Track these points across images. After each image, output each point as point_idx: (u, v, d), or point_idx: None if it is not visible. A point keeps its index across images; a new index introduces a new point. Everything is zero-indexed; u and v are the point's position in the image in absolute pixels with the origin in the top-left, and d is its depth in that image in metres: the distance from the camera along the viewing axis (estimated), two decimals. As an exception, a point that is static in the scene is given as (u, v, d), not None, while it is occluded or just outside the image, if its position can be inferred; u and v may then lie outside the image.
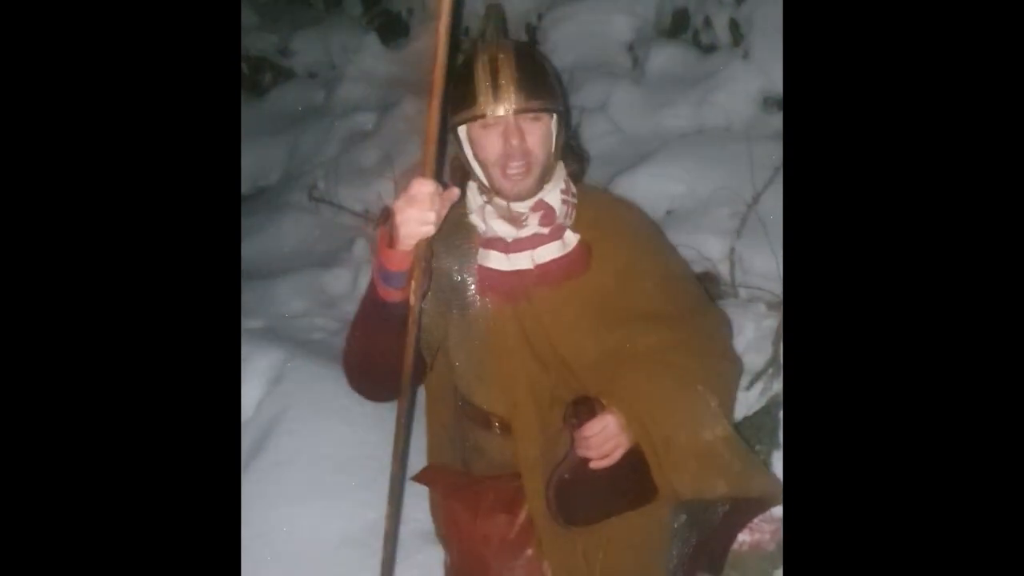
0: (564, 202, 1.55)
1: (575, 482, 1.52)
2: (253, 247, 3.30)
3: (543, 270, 1.52)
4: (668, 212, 2.70)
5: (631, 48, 3.45)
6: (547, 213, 1.52)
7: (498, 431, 1.63)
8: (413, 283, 1.34)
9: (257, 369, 2.30)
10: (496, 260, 1.52)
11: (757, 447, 2.00)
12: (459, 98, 1.48)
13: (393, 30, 4.32)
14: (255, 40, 4.59)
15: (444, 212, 1.33)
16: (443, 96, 1.21)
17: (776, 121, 2.83)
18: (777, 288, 2.29)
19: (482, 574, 1.61)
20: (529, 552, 1.59)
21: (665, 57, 3.29)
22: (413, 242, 1.31)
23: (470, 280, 1.56)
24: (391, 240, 1.32)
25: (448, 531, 1.71)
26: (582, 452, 1.50)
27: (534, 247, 1.52)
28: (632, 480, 1.52)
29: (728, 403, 1.61)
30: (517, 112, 1.45)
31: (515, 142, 1.46)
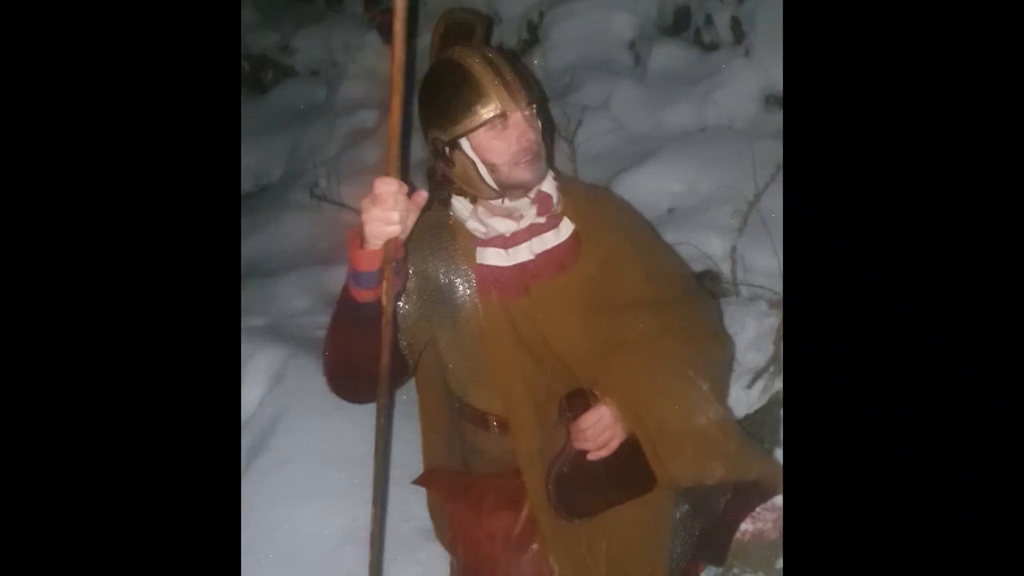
0: (556, 188, 1.57)
1: (574, 475, 1.53)
2: (255, 245, 3.30)
3: (542, 260, 1.53)
4: (670, 210, 2.70)
5: (633, 46, 3.44)
6: (543, 201, 1.54)
7: (496, 430, 1.64)
8: (385, 283, 1.34)
9: (259, 367, 2.30)
10: (495, 256, 1.53)
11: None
12: (462, 106, 1.44)
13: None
14: (257, 38, 4.59)
15: (412, 216, 1.32)
16: (403, 95, 1.21)
17: (777, 119, 2.83)
18: (779, 286, 2.29)
19: (491, 572, 1.62)
20: (535, 547, 1.60)
21: (667, 55, 3.28)
22: (380, 241, 1.30)
23: (458, 281, 1.56)
24: (360, 240, 1.32)
25: (453, 532, 1.71)
26: (579, 444, 1.52)
27: (531, 237, 1.53)
28: (631, 469, 1.53)
29: (720, 386, 1.63)
30: (528, 105, 1.46)
31: (530, 136, 1.46)
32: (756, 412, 2.11)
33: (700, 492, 1.61)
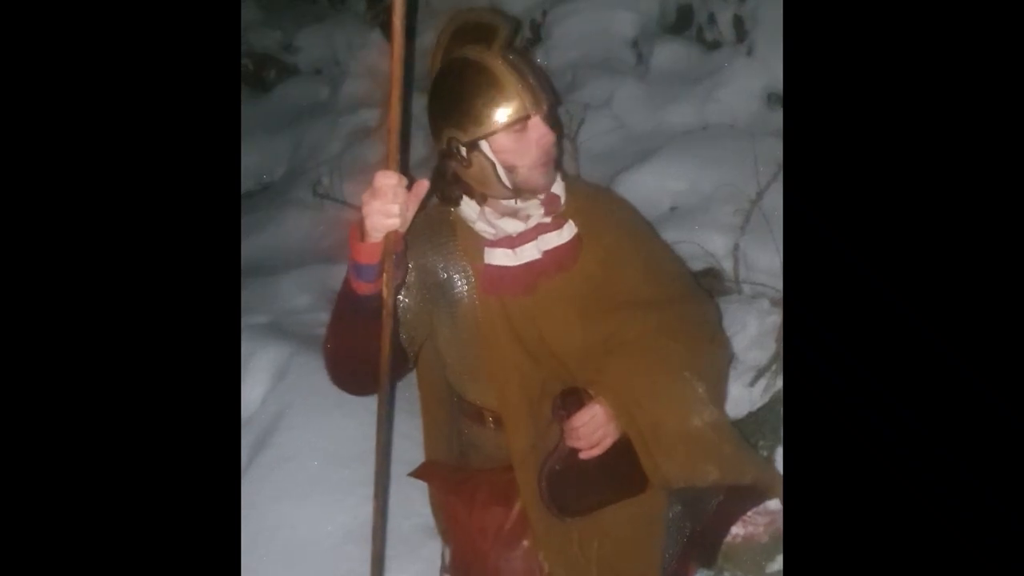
0: (563, 189, 1.58)
1: (566, 472, 1.53)
2: (258, 243, 3.30)
3: (548, 258, 1.53)
4: (672, 209, 2.70)
5: (635, 45, 3.44)
6: (551, 201, 1.54)
7: (491, 425, 1.65)
8: (385, 275, 1.35)
9: (262, 364, 2.30)
10: (504, 257, 1.53)
11: (760, 443, 2.01)
12: (487, 107, 1.43)
13: (398, 26, 4.31)
14: (260, 36, 4.59)
15: (413, 207, 1.33)
16: (403, 89, 1.21)
17: (780, 117, 2.83)
18: (780, 284, 2.29)
19: (481, 566, 1.62)
20: (526, 543, 1.61)
21: (669, 54, 3.28)
22: (380, 234, 1.31)
23: (456, 277, 1.57)
24: (361, 234, 1.33)
25: (447, 525, 1.72)
26: (571, 443, 1.52)
27: (537, 236, 1.53)
28: (623, 469, 1.53)
29: (717, 388, 1.62)
30: (550, 108, 1.47)
31: (548, 139, 1.47)
32: (758, 410, 2.11)
33: (693, 493, 1.61)
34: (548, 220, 1.54)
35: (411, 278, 1.55)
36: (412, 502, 1.82)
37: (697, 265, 2.43)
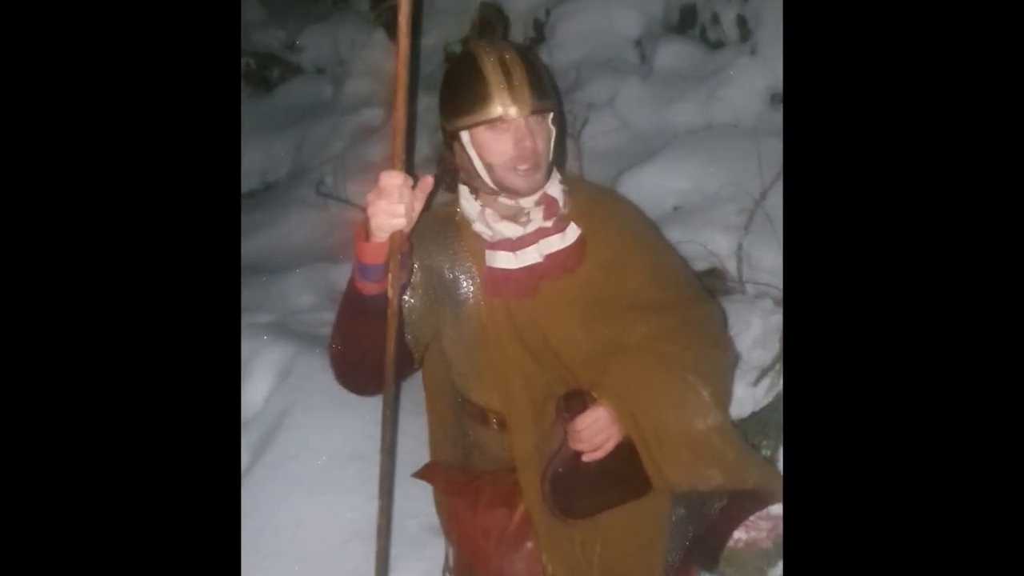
0: (563, 192, 1.58)
1: (569, 475, 1.53)
2: (261, 242, 3.31)
3: (549, 261, 1.53)
4: (675, 208, 2.70)
5: (638, 44, 3.44)
6: (550, 204, 1.54)
7: (495, 427, 1.64)
8: (390, 276, 1.35)
9: (265, 363, 2.30)
10: (504, 260, 1.53)
11: (763, 443, 2.01)
12: (467, 100, 1.46)
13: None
14: (263, 36, 4.60)
15: (418, 204, 1.33)
16: (408, 89, 1.21)
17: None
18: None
19: (484, 568, 1.62)
20: (529, 545, 1.61)
21: (672, 53, 3.28)
22: (385, 234, 1.31)
23: (462, 278, 1.57)
24: (366, 234, 1.33)
25: (450, 526, 1.72)
26: (574, 445, 1.52)
27: (538, 240, 1.53)
28: (626, 472, 1.53)
29: (722, 393, 1.62)
30: (532, 113, 1.45)
31: (529, 144, 1.45)
32: (762, 410, 2.11)
33: (696, 497, 1.61)
34: (549, 224, 1.54)
35: (416, 278, 1.55)
36: (417, 501, 1.82)
37: (700, 265, 2.43)
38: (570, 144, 2.96)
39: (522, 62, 1.47)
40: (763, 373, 2.18)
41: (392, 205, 1.28)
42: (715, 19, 3.31)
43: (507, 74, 1.44)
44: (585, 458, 1.52)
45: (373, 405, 1.88)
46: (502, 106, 1.43)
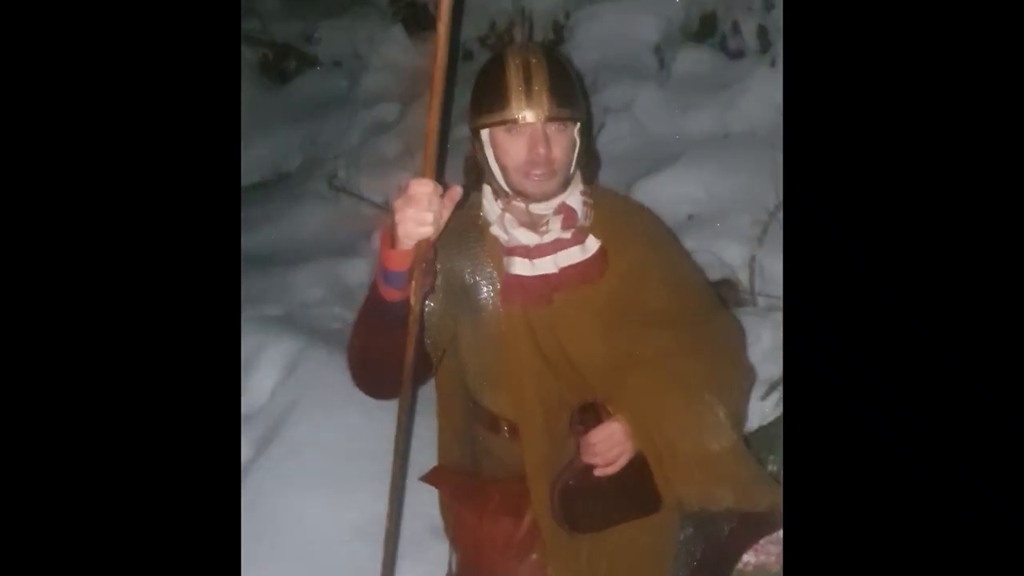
0: (584, 204, 1.56)
1: (580, 488, 1.52)
2: (272, 234, 3.30)
3: (565, 274, 1.52)
4: (689, 217, 2.69)
5: (657, 50, 3.42)
6: (568, 215, 1.53)
7: (506, 434, 1.63)
8: (414, 283, 1.33)
9: (272, 357, 2.30)
10: (520, 266, 1.52)
11: (770, 457, 1.99)
12: (487, 100, 1.48)
13: (418, 21, 4.31)
14: (280, 27, 4.60)
15: (446, 213, 1.31)
16: (443, 95, 1.20)
17: (801, 129, 2.81)
18: (796, 298, 2.27)
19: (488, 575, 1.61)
20: (534, 556, 1.60)
21: (691, 60, 3.26)
22: (412, 242, 1.30)
23: (483, 282, 1.56)
24: (392, 240, 1.32)
25: (455, 532, 1.71)
26: (587, 458, 1.50)
27: (556, 252, 1.52)
28: (637, 488, 1.52)
29: (737, 412, 1.60)
30: (548, 120, 1.45)
31: (542, 150, 1.46)
32: (769, 424, 2.09)
33: (705, 517, 1.59)
34: (567, 235, 1.53)
35: (437, 281, 1.53)
36: (422, 503, 1.81)
37: (713, 275, 2.41)
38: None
39: (546, 68, 1.47)
40: (772, 387, 2.16)
41: (420, 213, 1.27)
42: (735, 28, 3.30)
43: (527, 79, 1.45)
44: (597, 472, 1.51)
45: (380, 403, 1.88)
46: (518, 109, 1.45)
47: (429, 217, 1.27)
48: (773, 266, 2.40)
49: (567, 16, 3.63)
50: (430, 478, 1.76)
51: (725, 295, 2.41)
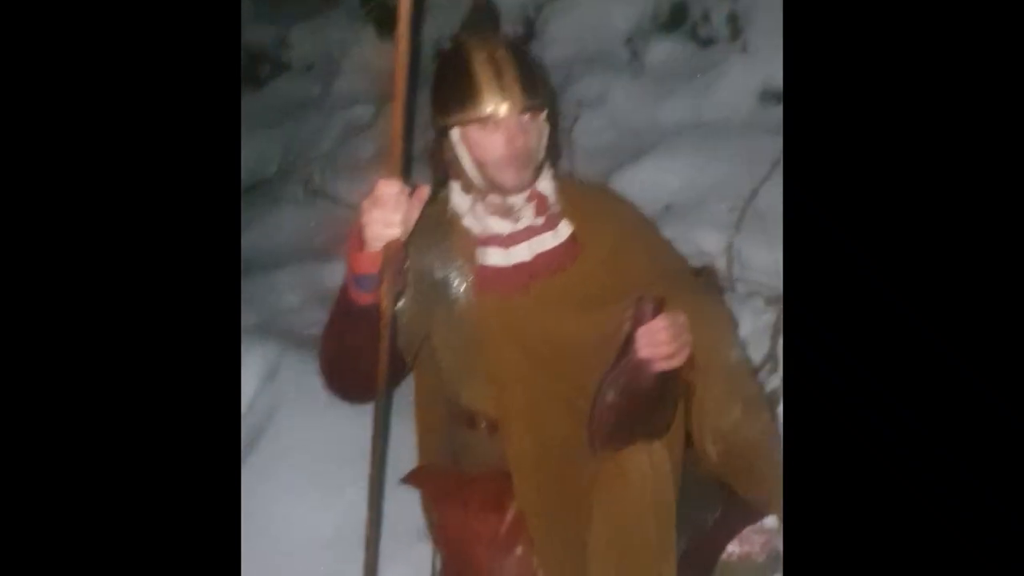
0: (554, 188, 1.56)
1: (619, 399, 1.42)
2: (249, 240, 3.27)
3: (540, 261, 1.51)
4: (666, 206, 2.69)
5: (629, 41, 3.43)
6: (540, 201, 1.53)
7: (485, 430, 1.62)
8: (384, 286, 1.32)
9: (252, 363, 2.28)
10: (495, 256, 1.51)
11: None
12: (456, 97, 1.46)
13: (390, 22, 4.29)
14: (252, 32, 4.57)
15: (414, 213, 1.30)
16: (409, 95, 1.20)
17: (774, 115, 2.82)
18: (775, 283, 2.28)
19: (473, 573, 1.60)
20: (519, 550, 1.58)
21: (663, 50, 3.28)
22: (380, 244, 1.29)
23: (454, 278, 1.55)
24: (360, 243, 1.30)
25: (439, 531, 1.70)
26: (647, 350, 1.38)
27: (530, 238, 1.51)
28: (656, 405, 1.46)
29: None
30: (523, 111, 1.44)
31: (520, 142, 1.45)
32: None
33: (689, 508, 1.58)
34: (540, 221, 1.52)
35: (407, 278, 1.53)
36: (404, 504, 1.80)
37: (692, 263, 2.41)
38: (561, 142, 2.95)
39: (513, 59, 1.46)
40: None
41: (388, 215, 1.26)
42: (706, 17, 3.31)
43: (498, 72, 1.44)
44: (656, 367, 1.40)
45: (361, 407, 1.87)
46: (492, 104, 1.43)
47: (397, 218, 1.26)
48: (750, 252, 2.41)
49: (537, 10, 3.63)
50: (412, 479, 1.75)
51: (707, 283, 2.41)
